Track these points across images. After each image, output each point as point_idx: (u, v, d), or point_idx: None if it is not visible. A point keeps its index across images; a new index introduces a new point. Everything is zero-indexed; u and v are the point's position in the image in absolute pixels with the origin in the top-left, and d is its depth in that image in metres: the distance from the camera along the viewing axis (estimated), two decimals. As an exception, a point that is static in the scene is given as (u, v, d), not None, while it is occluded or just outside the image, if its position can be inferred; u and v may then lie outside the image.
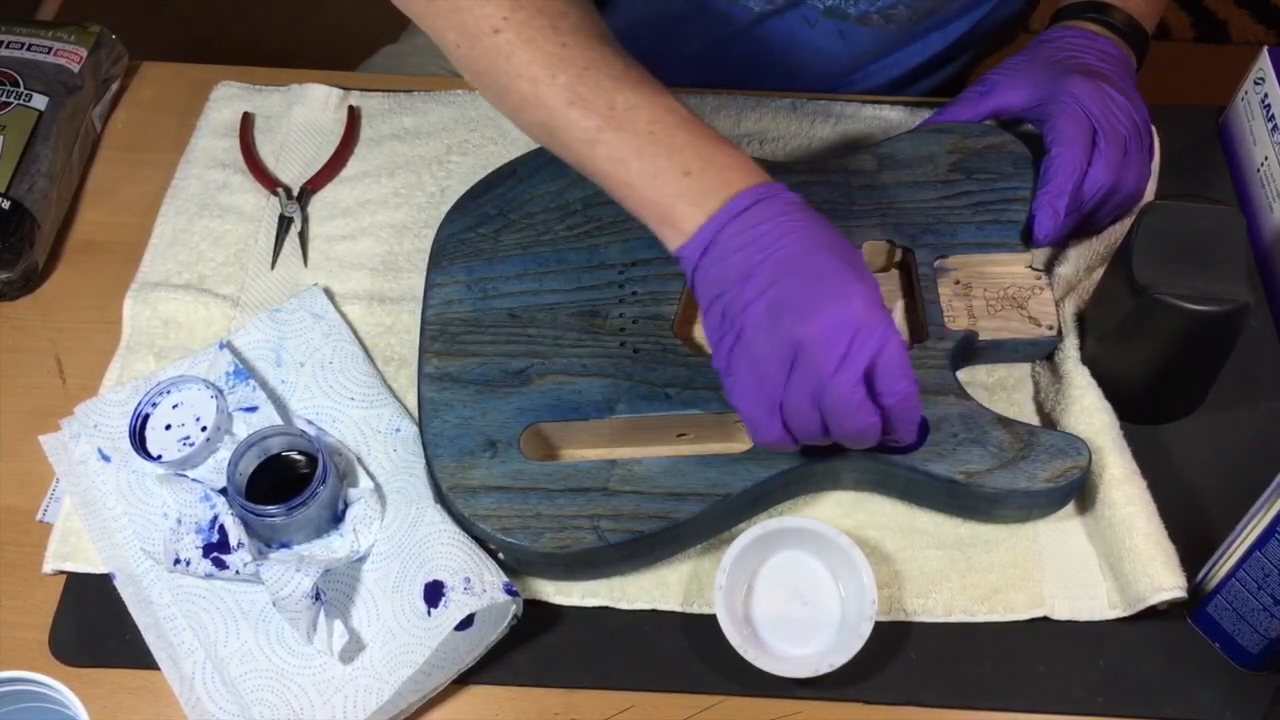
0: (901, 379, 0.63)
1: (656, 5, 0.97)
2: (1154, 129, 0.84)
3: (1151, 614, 0.71)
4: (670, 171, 0.64)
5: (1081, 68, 0.81)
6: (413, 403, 0.79)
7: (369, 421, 0.78)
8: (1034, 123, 0.83)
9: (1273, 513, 0.63)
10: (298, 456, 0.74)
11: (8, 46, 0.92)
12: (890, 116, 0.93)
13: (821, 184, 0.82)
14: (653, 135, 0.65)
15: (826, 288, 0.62)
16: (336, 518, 0.74)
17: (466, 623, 0.68)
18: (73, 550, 0.75)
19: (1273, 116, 0.86)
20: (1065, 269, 0.82)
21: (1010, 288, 0.80)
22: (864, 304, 0.62)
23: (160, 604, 0.72)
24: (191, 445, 0.75)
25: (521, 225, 0.82)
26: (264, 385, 0.79)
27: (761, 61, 0.94)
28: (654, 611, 0.73)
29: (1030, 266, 0.80)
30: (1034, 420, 0.78)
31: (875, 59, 0.99)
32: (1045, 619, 0.72)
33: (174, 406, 0.76)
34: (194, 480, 0.74)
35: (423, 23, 0.70)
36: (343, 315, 0.83)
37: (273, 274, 0.86)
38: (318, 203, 0.90)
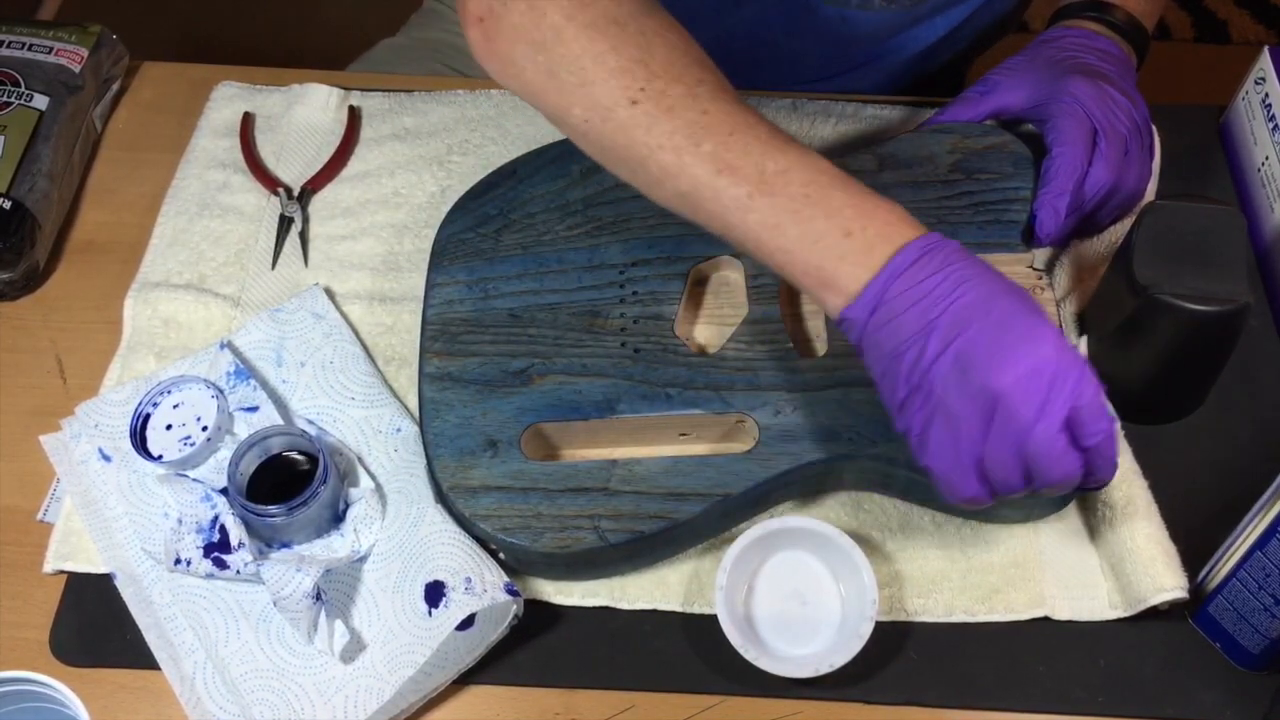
0: (1103, 419, 0.61)
1: None
2: (1154, 129, 0.84)
3: (1152, 614, 0.71)
4: (830, 234, 0.62)
5: (1082, 68, 0.81)
6: (413, 403, 0.79)
7: (370, 421, 0.78)
8: (1034, 123, 0.83)
9: (1273, 513, 0.63)
10: (298, 456, 0.74)
11: (8, 46, 0.92)
12: (890, 116, 0.93)
13: (822, 184, 0.82)
14: (808, 198, 0.63)
15: (1015, 334, 0.60)
16: (337, 518, 0.74)
17: (467, 623, 0.68)
18: (73, 550, 0.75)
19: (1273, 116, 0.86)
20: (1066, 269, 0.82)
21: (1011, 288, 0.80)
22: (1055, 348, 0.60)
23: (161, 604, 0.72)
24: (192, 445, 0.75)
25: (522, 225, 0.82)
26: (265, 385, 0.79)
27: (764, 47, 0.94)
28: (654, 611, 0.73)
29: (1031, 266, 0.80)
30: (1034, 420, 0.78)
31: (878, 42, 0.99)
32: (1046, 619, 0.72)
33: (175, 406, 0.76)
34: (195, 480, 0.74)
35: (541, 101, 0.67)
36: (343, 315, 0.83)
37: (273, 274, 0.86)
38: (318, 203, 0.90)
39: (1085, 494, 0.74)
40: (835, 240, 0.62)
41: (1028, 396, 0.59)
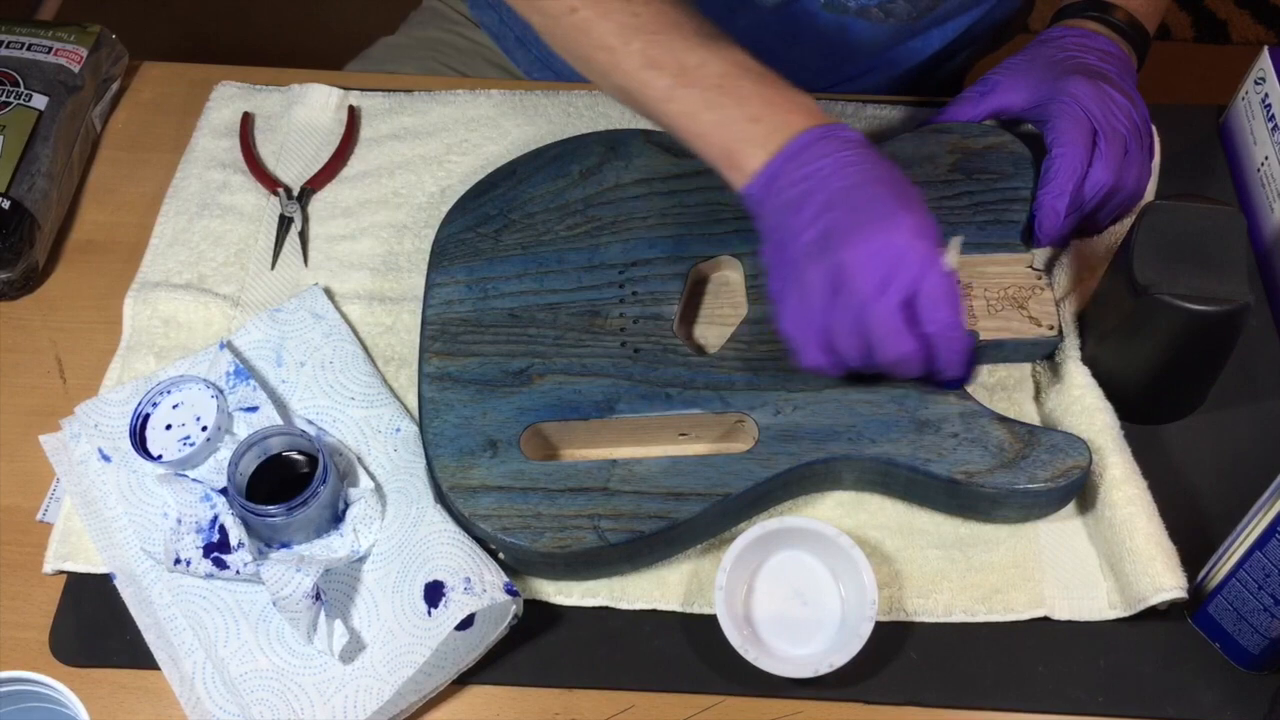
0: (943, 308, 0.66)
1: None
2: (1154, 129, 0.84)
3: (1152, 614, 0.71)
4: (738, 120, 0.69)
5: (1082, 68, 0.81)
6: (413, 402, 0.79)
7: (369, 421, 0.78)
8: (1034, 123, 0.83)
9: (1273, 513, 0.63)
10: (298, 456, 0.74)
11: (8, 46, 0.92)
12: (890, 116, 0.93)
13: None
14: (721, 88, 0.70)
15: (873, 215, 0.66)
16: (337, 518, 0.74)
17: (467, 623, 0.68)
18: (73, 550, 0.75)
19: (1273, 116, 0.86)
20: (1066, 269, 0.82)
21: (1010, 288, 0.80)
22: (909, 234, 0.65)
23: (160, 604, 0.72)
24: (192, 445, 0.75)
25: (521, 225, 0.82)
26: (264, 385, 0.79)
27: (762, 56, 0.94)
28: (654, 611, 0.73)
29: (1030, 266, 0.80)
30: (1034, 420, 0.78)
31: (875, 54, 0.99)
32: (1046, 619, 0.72)
33: (174, 406, 0.76)
34: (194, 480, 0.74)
35: (513, 4, 0.77)
36: (343, 315, 0.83)
37: (273, 274, 0.86)
38: (318, 202, 0.90)
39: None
40: (741, 125, 0.69)
41: (870, 271, 0.65)
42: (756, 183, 0.68)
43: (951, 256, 0.67)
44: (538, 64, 1.06)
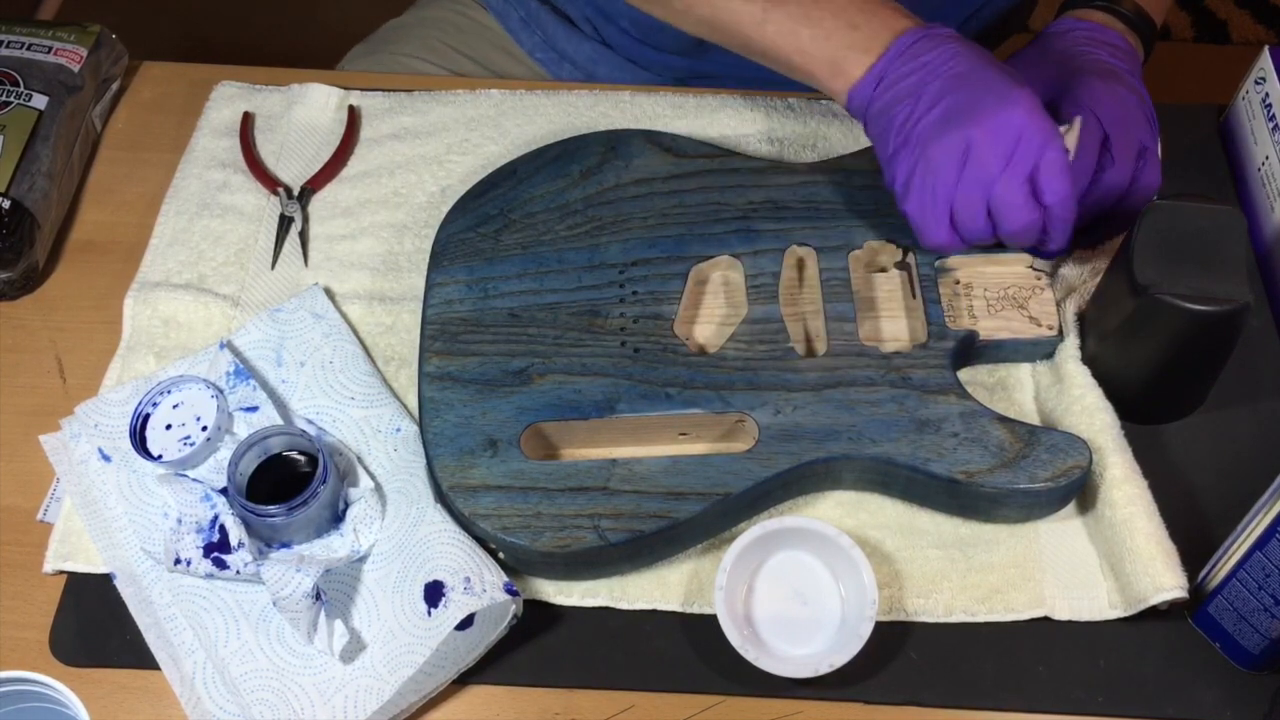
0: (1062, 181, 0.70)
1: None
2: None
3: (1152, 614, 0.71)
4: (839, 29, 0.73)
5: (1096, 67, 0.80)
6: (413, 402, 0.79)
7: (369, 421, 0.78)
8: None
9: (1274, 513, 0.63)
10: (298, 456, 0.74)
11: (8, 46, 0.92)
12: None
13: (823, 184, 0.82)
14: (814, 2, 0.73)
15: (995, 95, 0.69)
16: (337, 518, 0.74)
17: (467, 623, 0.68)
18: (73, 550, 0.75)
19: (1274, 116, 0.86)
20: (1069, 270, 0.82)
21: (1011, 288, 0.80)
22: (1028, 111, 0.69)
23: (160, 604, 0.72)
24: (192, 445, 0.75)
25: (522, 225, 0.82)
26: (264, 385, 0.79)
27: None
28: (654, 611, 0.73)
29: (1031, 266, 0.80)
30: (1034, 420, 0.78)
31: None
32: (1046, 619, 0.72)
33: (174, 406, 0.76)
34: (194, 480, 0.74)
35: None
36: (343, 315, 0.83)
37: (273, 274, 0.86)
38: (318, 202, 0.90)
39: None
40: (844, 34, 0.73)
41: (997, 146, 0.69)
42: (864, 83, 0.72)
43: (1071, 137, 0.72)
44: (541, 44, 1.06)
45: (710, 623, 0.70)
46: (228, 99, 0.96)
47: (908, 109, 0.71)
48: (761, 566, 0.73)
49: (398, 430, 0.77)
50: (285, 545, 0.72)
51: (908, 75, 0.71)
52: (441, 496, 0.73)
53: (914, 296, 0.80)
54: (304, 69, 0.99)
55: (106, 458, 0.76)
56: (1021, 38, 0.91)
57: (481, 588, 0.68)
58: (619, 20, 1.01)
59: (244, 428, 0.76)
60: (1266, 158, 0.86)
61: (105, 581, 0.73)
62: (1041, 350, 0.79)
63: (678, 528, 0.71)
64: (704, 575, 0.73)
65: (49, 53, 0.92)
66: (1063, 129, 0.72)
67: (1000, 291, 0.79)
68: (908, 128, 0.71)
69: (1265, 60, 0.87)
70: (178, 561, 0.71)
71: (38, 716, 0.64)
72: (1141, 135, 0.78)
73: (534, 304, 0.79)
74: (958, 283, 0.80)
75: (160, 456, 0.75)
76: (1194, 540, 0.71)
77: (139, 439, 0.75)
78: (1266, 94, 0.87)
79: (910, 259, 0.80)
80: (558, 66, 1.07)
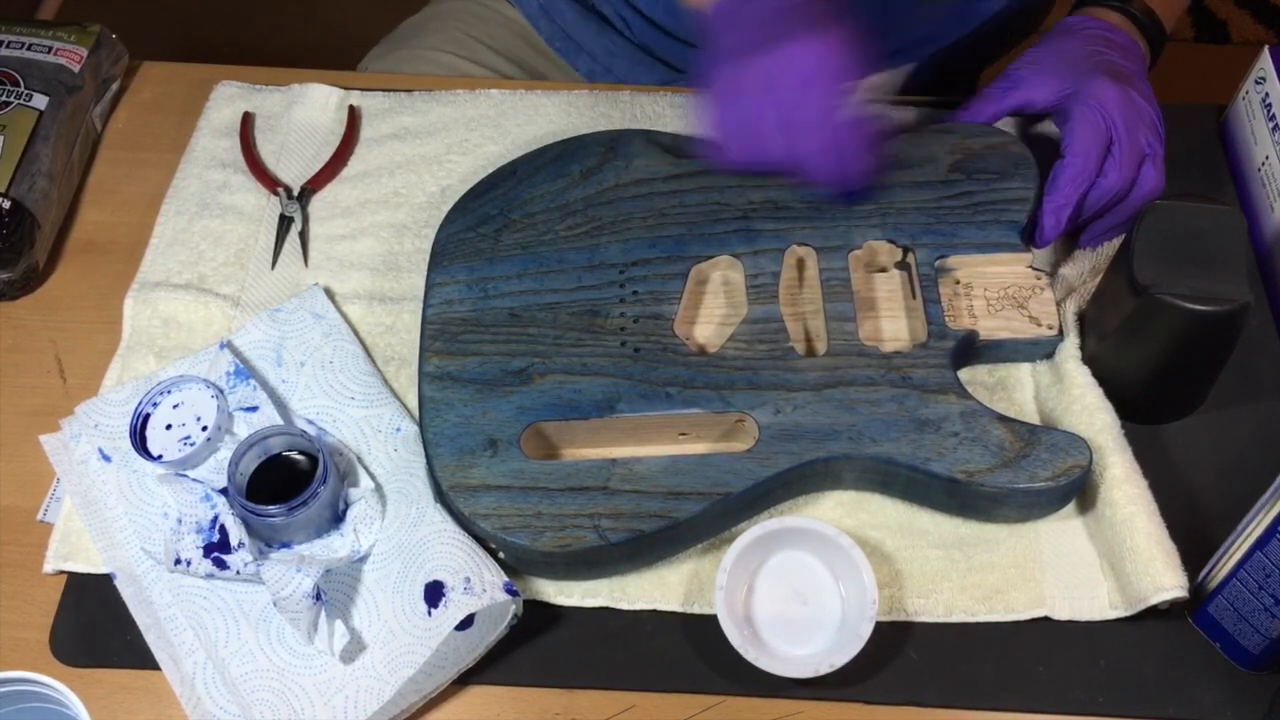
0: (853, 112, 0.74)
1: None
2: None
3: (1152, 614, 0.71)
4: None
5: (1108, 68, 0.80)
6: (413, 402, 0.79)
7: (369, 421, 0.78)
8: (1055, 117, 0.82)
9: (1274, 513, 0.63)
10: (298, 456, 0.74)
11: (8, 46, 0.92)
12: (892, 116, 0.93)
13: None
14: None
15: (808, 29, 0.74)
16: (337, 518, 0.74)
17: (467, 623, 0.68)
18: (73, 550, 0.75)
19: (1273, 116, 0.86)
20: (1069, 270, 0.82)
21: (1011, 288, 0.80)
22: (837, 43, 0.73)
23: (161, 604, 0.72)
24: (192, 445, 0.75)
25: (522, 225, 0.82)
26: (264, 385, 0.79)
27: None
28: (654, 611, 0.73)
29: (1031, 266, 0.80)
30: (1034, 420, 0.78)
31: (910, 30, 0.99)
32: (1046, 619, 0.72)
33: (174, 406, 0.76)
34: (194, 480, 0.74)
35: None
36: (343, 315, 0.83)
37: (273, 274, 0.86)
38: (318, 202, 0.90)
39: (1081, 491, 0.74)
40: None
41: (799, 67, 0.73)
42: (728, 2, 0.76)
43: (871, 82, 0.76)
44: (559, 33, 1.06)
45: (710, 623, 0.70)
46: (228, 99, 0.96)
47: (742, 35, 0.75)
48: (762, 566, 0.73)
49: (398, 430, 0.77)
50: (285, 545, 0.72)
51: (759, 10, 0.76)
52: (441, 496, 0.73)
53: (914, 296, 0.80)
54: (304, 69, 0.99)
55: (107, 458, 0.76)
56: (1036, 40, 0.91)
57: (481, 588, 0.68)
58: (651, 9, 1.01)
59: (244, 428, 0.76)
60: (1266, 158, 0.86)
61: (105, 582, 0.73)
62: (1041, 350, 0.79)
63: (678, 527, 0.71)
64: (704, 575, 0.73)
65: (49, 53, 0.92)
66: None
67: (1000, 291, 0.79)
68: (735, 50, 0.75)
69: (1265, 60, 0.87)
70: (178, 561, 0.71)
71: (38, 717, 0.64)
72: (1147, 140, 0.78)
73: (534, 304, 0.79)
74: (958, 283, 0.80)
75: (160, 456, 0.75)
76: (1194, 540, 0.71)
77: (139, 439, 0.75)
78: (1266, 94, 0.87)
79: (910, 259, 0.80)
80: (575, 56, 1.07)
